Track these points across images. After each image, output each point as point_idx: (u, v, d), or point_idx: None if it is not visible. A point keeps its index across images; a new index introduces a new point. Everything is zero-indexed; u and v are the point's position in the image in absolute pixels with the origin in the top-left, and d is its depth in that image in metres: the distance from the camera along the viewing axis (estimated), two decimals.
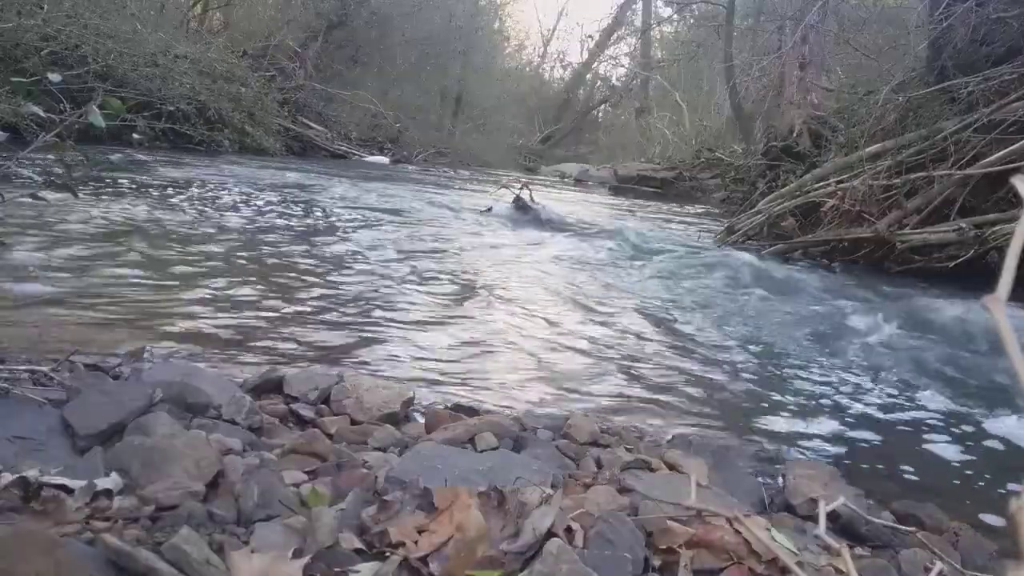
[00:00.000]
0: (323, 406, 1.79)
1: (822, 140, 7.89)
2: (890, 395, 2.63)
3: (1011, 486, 1.93)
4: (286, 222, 5.37)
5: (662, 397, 2.38)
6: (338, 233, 5.17)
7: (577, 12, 71.09)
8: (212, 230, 4.53)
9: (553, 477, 1.41)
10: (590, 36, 33.01)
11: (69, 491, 1.07)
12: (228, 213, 5.39)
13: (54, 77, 1.93)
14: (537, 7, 65.79)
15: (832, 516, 1.41)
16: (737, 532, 1.15)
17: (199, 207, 5.48)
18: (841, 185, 6.08)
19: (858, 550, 1.36)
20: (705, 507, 1.19)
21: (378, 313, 3.03)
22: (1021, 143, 4.92)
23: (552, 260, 5.19)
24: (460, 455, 1.48)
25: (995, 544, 1.51)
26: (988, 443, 2.25)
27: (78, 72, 8.54)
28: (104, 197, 5.19)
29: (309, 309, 2.95)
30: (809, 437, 2.16)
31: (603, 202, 13.35)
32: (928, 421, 2.40)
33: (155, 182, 6.57)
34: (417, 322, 2.98)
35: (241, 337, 2.43)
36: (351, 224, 5.71)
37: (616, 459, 1.61)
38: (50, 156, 1.62)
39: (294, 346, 2.42)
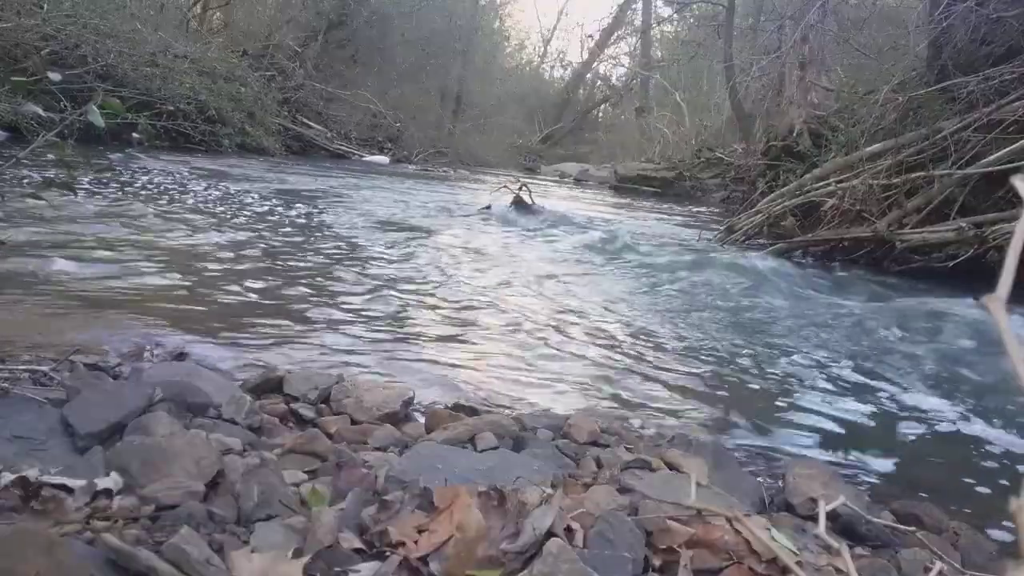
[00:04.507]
0: (323, 406, 1.79)
1: (822, 140, 7.88)
2: (890, 395, 2.63)
3: (1011, 486, 1.93)
4: (285, 222, 5.37)
5: (662, 397, 2.38)
6: (337, 233, 5.17)
7: (577, 12, 70.96)
8: (212, 230, 4.53)
9: (553, 477, 1.41)
10: (590, 36, 33.00)
11: (69, 491, 1.07)
12: (227, 213, 5.39)
13: (54, 76, 1.93)
14: (537, 7, 65.71)
15: (832, 516, 1.41)
16: (737, 532, 1.15)
17: (198, 207, 5.48)
18: (841, 185, 6.08)
19: (858, 550, 1.36)
20: (705, 507, 1.19)
21: (377, 312, 3.03)
22: (1021, 143, 4.91)
23: (551, 260, 5.19)
24: (460, 455, 1.48)
25: (995, 544, 1.51)
26: (988, 443, 2.25)
27: (78, 72, 8.54)
28: (103, 196, 5.19)
29: (308, 309, 2.95)
30: (809, 437, 2.16)
31: (603, 201, 13.34)
32: (928, 421, 2.40)
33: (154, 181, 6.57)
34: (416, 322, 2.98)
35: (241, 336, 2.43)
36: (350, 224, 5.71)
37: (616, 459, 1.61)
38: (50, 156, 1.62)
39: (294, 345, 2.42)
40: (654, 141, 20.32)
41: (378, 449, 1.55)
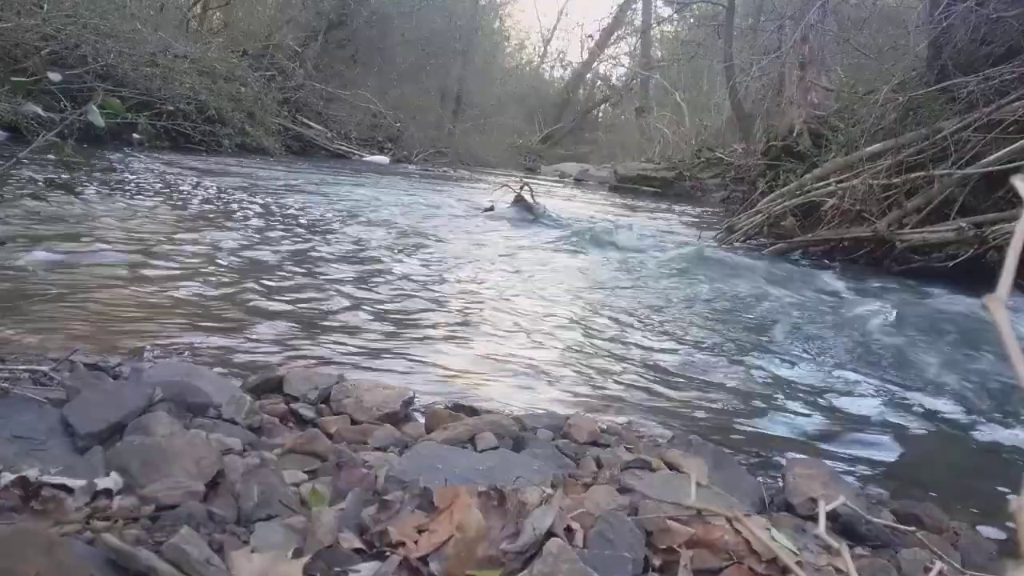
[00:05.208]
0: (323, 406, 1.79)
1: (822, 140, 7.88)
2: (889, 395, 2.63)
3: (1011, 486, 1.93)
4: (285, 222, 5.37)
5: (662, 397, 2.39)
6: (337, 233, 5.17)
7: (577, 12, 70.87)
8: (212, 230, 4.53)
9: (553, 477, 1.41)
10: (590, 36, 33.00)
11: (69, 491, 1.07)
12: (226, 212, 5.39)
13: (54, 76, 1.93)
14: (537, 7, 65.70)
15: (832, 516, 1.41)
16: (737, 532, 1.15)
17: (197, 207, 5.48)
18: (841, 184, 6.08)
19: (858, 550, 1.36)
20: (705, 507, 1.19)
21: (378, 313, 3.03)
22: (1021, 143, 4.92)
23: (552, 260, 5.19)
24: (460, 455, 1.48)
25: (995, 544, 1.51)
26: (988, 443, 2.25)
27: (78, 72, 8.54)
28: (103, 197, 5.19)
29: (308, 309, 2.95)
30: (809, 437, 2.16)
31: (603, 201, 13.35)
32: (928, 421, 2.40)
33: (153, 181, 6.57)
34: (417, 322, 2.98)
35: (241, 337, 2.43)
36: (350, 224, 5.71)
37: (616, 459, 1.61)
38: (50, 156, 1.62)
39: (294, 346, 2.42)
40: (654, 141, 20.31)
41: (378, 449, 1.55)
